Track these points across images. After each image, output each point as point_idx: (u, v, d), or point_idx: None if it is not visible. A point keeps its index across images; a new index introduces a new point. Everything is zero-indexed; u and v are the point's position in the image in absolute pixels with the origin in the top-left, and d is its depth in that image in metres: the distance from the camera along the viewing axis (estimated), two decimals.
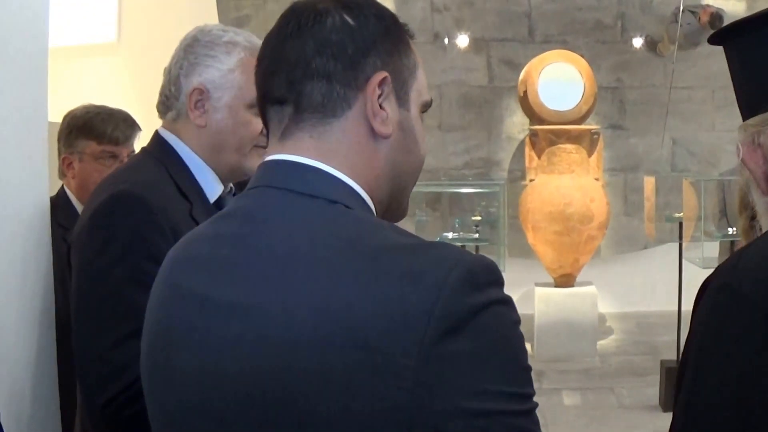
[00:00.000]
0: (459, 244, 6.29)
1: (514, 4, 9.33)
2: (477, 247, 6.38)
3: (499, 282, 1.13)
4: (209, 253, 1.24)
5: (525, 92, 7.99)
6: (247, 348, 1.12)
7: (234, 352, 1.13)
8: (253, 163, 2.11)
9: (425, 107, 1.37)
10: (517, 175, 8.95)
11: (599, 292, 8.04)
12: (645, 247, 9.15)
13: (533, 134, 8.03)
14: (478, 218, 6.48)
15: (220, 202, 2.17)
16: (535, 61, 8.13)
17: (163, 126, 2.21)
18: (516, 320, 1.14)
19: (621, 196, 9.36)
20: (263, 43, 1.31)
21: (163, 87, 2.20)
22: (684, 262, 6.64)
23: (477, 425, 1.07)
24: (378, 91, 1.25)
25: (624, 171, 9.37)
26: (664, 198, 8.62)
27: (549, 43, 9.01)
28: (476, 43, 9.28)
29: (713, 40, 1.58)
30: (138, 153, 2.28)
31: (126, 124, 3.32)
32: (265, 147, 2.09)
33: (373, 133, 1.26)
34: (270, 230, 1.19)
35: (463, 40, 9.24)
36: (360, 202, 1.25)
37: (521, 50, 9.06)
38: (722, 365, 1.27)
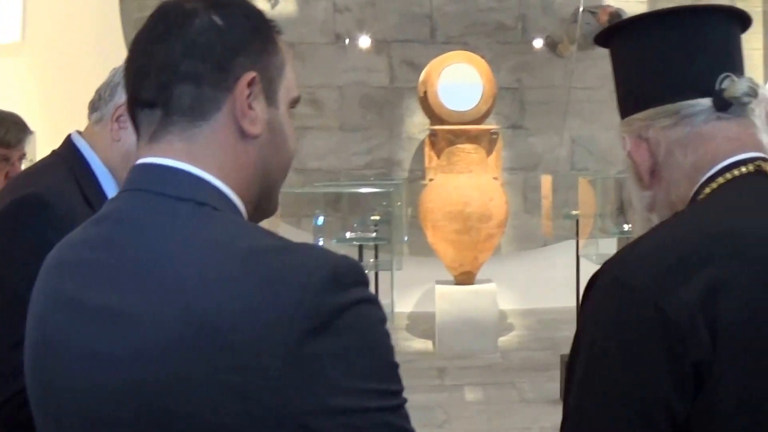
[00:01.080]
0: (357, 243, 6.33)
1: (415, 5, 9.37)
2: (376, 246, 6.41)
3: (363, 281, 1.14)
4: (81, 258, 1.22)
5: (425, 93, 8.03)
6: (120, 355, 1.12)
7: (108, 359, 1.13)
8: None
9: (294, 104, 1.37)
10: (418, 175, 8.99)
11: (500, 290, 8.12)
12: (545, 245, 9.27)
13: (432, 134, 8.07)
14: (377, 218, 6.50)
15: None
16: (435, 62, 8.17)
17: (87, 127, 2.27)
18: (381, 318, 1.15)
19: (521, 195, 9.47)
20: (132, 44, 1.28)
21: (101, 86, 2.26)
22: (582, 258, 6.76)
23: (345, 423, 1.08)
24: (247, 92, 1.24)
25: (524, 170, 9.49)
26: (563, 196, 8.76)
27: (450, 44, 9.08)
28: (378, 44, 9.31)
29: (599, 41, 1.61)
30: (48, 155, 2.30)
31: (17, 127, 3.30)
32: None
33: (243, 134, 1.25)
34: (139, 233, 1.18)
35: (364, 41, 9.27)
36: (229, 204, 1.24)
37: (423, 51, 9.10)
38: (615, 358, 1.28)
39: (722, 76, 1.45)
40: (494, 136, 8.15)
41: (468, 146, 7.85)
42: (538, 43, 9.55)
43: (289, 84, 1.34)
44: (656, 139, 1.48)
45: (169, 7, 1.27)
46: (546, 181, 8.36)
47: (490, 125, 8.27)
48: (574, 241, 7.38)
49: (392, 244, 5.53)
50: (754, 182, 1.42)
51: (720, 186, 1.42)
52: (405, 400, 1.15)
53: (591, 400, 1.31)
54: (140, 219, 1.20)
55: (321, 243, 6.63)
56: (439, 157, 7.99)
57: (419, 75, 8.37)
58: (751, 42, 9.50)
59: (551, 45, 9.55)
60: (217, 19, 1.25)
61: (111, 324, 1.14)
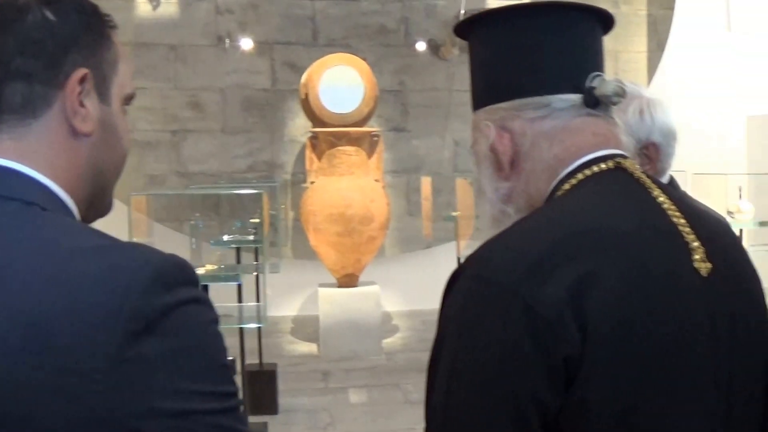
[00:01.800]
0: (235, 246, 6.28)
1: (297, 7, 9.36)
2: (256, 249, 6.37)
3: (191, 281, 1.13)
4: None
5: (307, 95, 8.01)
6: None
7: None
8: None
9: (128, 100, 1.34)
10: (300, 178, 8.97)
11: (384, 292, 8.16)
12: (428, 247, 9.34)
13: (313, 137, 8.05)
14: (257, 220, 6.46)
15: None
16: (316, 64, 8.16)
17: None
18: (212, 318, 1.14)
19: (404, 197, 9.53)
20: None
21: None
22: (462, 259, 6.82)
23: (175, 426, 1.07)
24: (78, 89, 1.22)
25: (407, 172, 9.55)
26: (445, 198, 8.85)
27: (333, 46, 9.08)
28: (260, 46, 9.27)
29: (459, 32, 1.61)
30: None
31: None
32: None
33: (74, 132, 1.23)
34: None
35: (246, 43, 9.22)
36: (58, 204, 1.22)
37: (305, 53, 9.10)
38: (483, 354, 1.27)
39: (593, 74, 1.48)
40: (375, 139, 8.18)
41: (349, 148, 7.87)
42: (420, 46, 9.63)
43: (122, 80, 1.32)
44: (522, 129, 1.48)
45: (2, 1, 1.23)
46: (426, 183, 8.43)
47: (371, 128, 8.30)
48: (454, 242, 7.43)
49: (263, 246, 5.49)
50: (614, 179, 1.44)
51: (580, 182, 1.44)
52: (240, 401, 1.15)
53: (458, 398, 1.30)
54: None
55: (193, 245, 6.56)
56: (320, 159, 7.98)
57: (301, 77, 8.35)
58: (635, 45, 9.76)
59: (434, 48, 9.64)
60: (49, 15, 1.22)
61: None
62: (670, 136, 2.47)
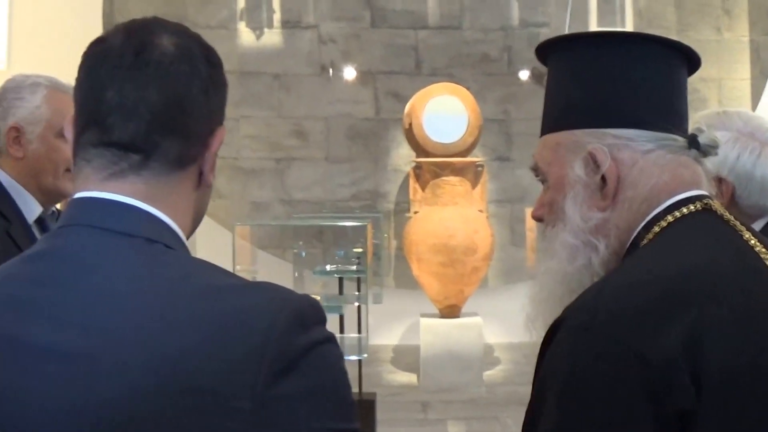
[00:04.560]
0: (338, 276, 6.29)
1: (401, 37, 9.40)
2: (359, 279, 6.38)
3: (324, 320, 1.14)
4: (23, 295, 1.16)
5: (410, 125, 8.02)
6: (76, 396, 1.07)
7: (61, 400, 1.07)
8: (65, 185, 2.58)
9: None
10: (404, 207, 8.96)
11: (486, 323, 8.08)
12: (532, 278, 9.18)
13: (417, 166, 8.06)
14: (360, 250, 6.48)
15: (44, 224, 2.61)
16: (420, 93, 8.17)
17: None
18: (341, 356, 1.15)
19: (508, 227, 9.45)
20: (94, 68, 1.22)
21: None
22: None
23: None
24: (217, 146, 1.26)
25: (511, 202, 9.48)
26: None
27: (436, 76, 9.07)
28: (363, 76, 9.33)
29: (558, 44, 1.59)
30: None
31: None
32: None
33: (200, 183, 1.26)
34: (88, 271, 1.14)
35: (350, 72, 9.28)
36: (180, 243, 1.22)
37: (408, 83, 9.11)
38: (594, 407, 1.23)
39: (695, 125, 1.51)
40: (479, 169, 8.14)
41: (453, 178, 7.84)
42: (524, 74, 9.56)
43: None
44: (632, 160, 1.45)
45: (149, 43, 1.21)
46: (530, 214, 8.34)
47: (475, 157, 8.27)
48: None
49: (367, 277, 5.50)
50: (704, 221, 1.41)
51: (669, 224, 1.41)
52: None
53: None
54: (87, 256, 1.16)
55: (296, 275, 6.60)
56: (424, 189, 7.97)
57: (404, 107, 8.37)
58: (738, 72, 9.56)
59: (537, 76, 9.56)
60: (208, 72, 1.24)
61: (61, 365, 1.08)
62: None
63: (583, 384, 1.24)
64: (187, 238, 1.28)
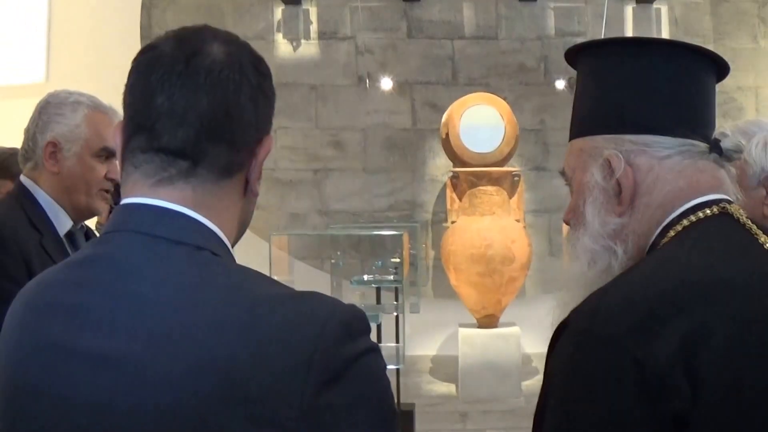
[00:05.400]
0: (375, 285, 6.29)
1: (437, 47, 9.39)
2: (396, 289, 6.38)
3: (369, 330, 1.15)
4: (72, 300, 1.18)
5: (447, 135, 8.02)
6: (125, 403, 1.09)
7: (112, 407, 1.09)
8: (97, 204, 2.67)
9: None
10: (441, 217, 8.92)
11: (524, 333, 8.04)
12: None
13: (454, 176, 8.04)
14: (397, 260, 6.48)
15: (73, 238, 2.67)
16: (456, 103, 8.17)
17: (24, 173, 2.69)
18: (384, 366, 1.16)
19: (545, 237, 9.40)
20: (145, 74, 1.22)
21: (22, 143, 2.70)
22: None
23: None
24: (264, 156, 1.26)
25: (548, 212, 9.41)
26: None
27: (472, 85, 9.05)
28: (400, 86, 9.32)
29: (585, 50, 1.61)
30: (4, 195, 2.73)
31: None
32: (107, 191, 2.44)
33: (246, 192, 1.27)
34: (137, 277, 1.15)
35: (386, 83, 9.28)
36: (226, 251, 1.23)
37: (445, 93, 9.09)
38: (591, 411, 1.26)
39: (719, 129, 1.50)
40: (516, 178, 8.11)
41: (490, 188, 7.82)
42: (560, 84, 9.51)
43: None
44: (649, 166, 1.47)
45: (200, 50, 1.22)
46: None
47: (512, 167, 8.25)
48: None
49: (404, 286, 5.50)
50: (719, 225, 1.42)
51: (684, 228, 1.42)
52: None
53: None
54: (136, 262, 1.17)
55: (335, 283, 6.60)
56: (461, 199, 7.95)
57: (441, 117, 8.37)
58: None
59: (573, 86, 9.48)
60: (257, 81, 1.25)
61: (109, 371, 1.10)
62: None
63: (580, 388, 1.27)
64: (233, 246, 1.28)
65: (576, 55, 1.62)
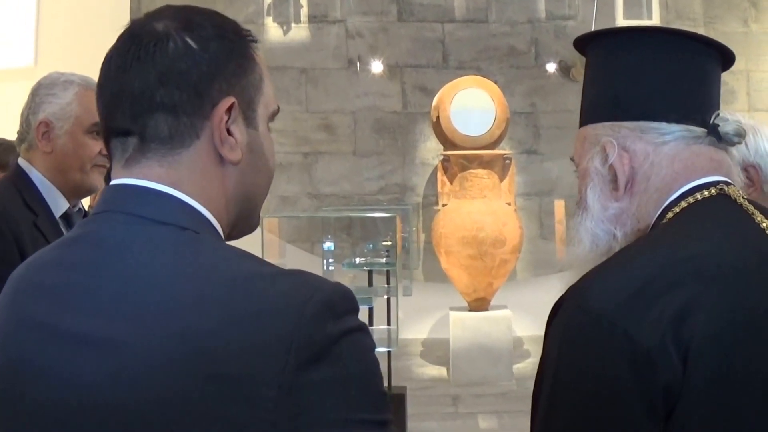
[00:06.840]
0: (367, 268, 6.29)
1: (428, 31, 9.38)
2: (388, 272, 6.38)
3: (356, 309, 1.13)
4: (57, 281, 1.18)
5: (438, 118, 8.02)
6: (105, 380, 1.08)
7: (92, 385, 1.09)
8: (93, 180, 2.70)
9: (273, 117, 1.34)
10: (432, 200, 8.95)
11: (516, 316, 8.07)
12: (561, 270, 9.17)
13: (445, 159, 8.05)
14: (389, 243, 6.48)
15: (70, 219, 2.69)
16: (447, 87, 8.17)
17: (21, 156, 2.73)
18: (372, 346, 1.14)
19: (536, 220, 9.42)
20: (103, 67, 1.24)
21: (24, 110, 2.72)
22: None
23: None
24: (225, 118, 1.21)
25: (539, 195, 9.43)
26: None
27: (463, 69, 9.05)
28: (390, 70, 9.31)
29: (584, 42, 1.63)
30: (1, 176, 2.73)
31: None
32: (104, 166, 2.45)
33: (222, 160, 1.23)
34: (121, 257, 1.15)
35: (377, 66, 9.27)
36: (210, 229, 1.22)
37: (435, 76, 9.09)
38: (583, 385, 1.29)
39: (717, 112, 1.51)
40: (507, 161, 8.13)
41: (481, 171, 7.83)
42: (551, 67, 9.51)
43: (267, 100, 1.31)
44: (645, 152, 1.49)
45: (140, 29, 1.22)
46: (559, 206, 8.33)
47: (503, 150, 8.27)
48: None
49: (396, 269, 5.49)
50: (717, 206, 1.44)
51: (683, 209, 1.44)
52: (394, 431, 1.13)
53: (556, 429, 1.33)
54: (121, 242, 1.17)
55: (331, 268, 6.60)
56: (452, 182, 7.97)
57: (432, 100, 8.38)
58: (766, 64, 9.47)
59: (564, 69, 9.52)
60: (191, 43, 1.21)
61: (94, 346, 1.10)
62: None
63: (574, 362, 1.31)
64: (234, 222, 1.28)
65: (582, 44, 1.65)
